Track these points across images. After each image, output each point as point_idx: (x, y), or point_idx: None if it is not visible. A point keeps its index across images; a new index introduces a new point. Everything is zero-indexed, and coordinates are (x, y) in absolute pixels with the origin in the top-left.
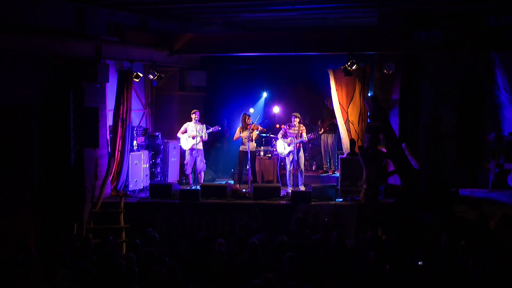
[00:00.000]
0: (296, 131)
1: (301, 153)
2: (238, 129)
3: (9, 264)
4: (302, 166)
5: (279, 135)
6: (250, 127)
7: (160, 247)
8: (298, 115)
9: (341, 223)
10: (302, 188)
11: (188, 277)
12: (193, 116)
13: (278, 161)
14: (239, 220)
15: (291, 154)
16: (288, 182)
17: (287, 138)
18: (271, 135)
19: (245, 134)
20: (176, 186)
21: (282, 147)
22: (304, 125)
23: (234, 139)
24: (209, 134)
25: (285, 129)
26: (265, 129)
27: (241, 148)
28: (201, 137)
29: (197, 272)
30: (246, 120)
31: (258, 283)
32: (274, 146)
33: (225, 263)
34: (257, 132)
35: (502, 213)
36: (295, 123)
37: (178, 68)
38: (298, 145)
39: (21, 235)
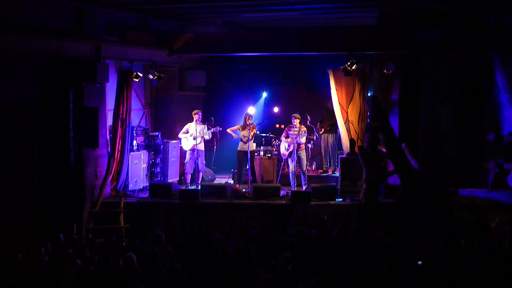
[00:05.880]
0: (297, 132)
1: (303, 155)
2: (238, 126)
3: (8, 264)
4: (305, 168)
5: (282, 137)
6: (249, 127)
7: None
8: (298, 115)
9: (340, 223)
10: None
11: (189, 276)
12: (195, 116)
13: (281, 162)
14: (239, 220)
15: (292, 154)
16: (291, 183)
17: (288, 139)
18: (270, 135)
19: (244, 133)
20: (176, 186)
21: (284, 148)
22: (305, 126)
23: (227, 130)
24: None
25: (286, 131)
26: (257, 132)
27: (240, 147)
28: (202, 137)
29: (198, 271)
30: (247, 120)
31: (258, 284)
32: (274, 146)
33: (227, 262)
34: (252, 133)
35: (502, 213)
36: (295, 123)
37: (178, 68)
38: (297, 145)
39: (20, 235)
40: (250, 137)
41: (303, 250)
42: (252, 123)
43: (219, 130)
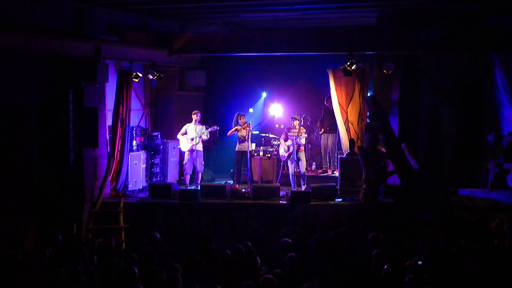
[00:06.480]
0: (296, 133)
1: (303, 156)
2: (234, 128)
3: (8, 264)
4: (304, 169)
5: (281, 139)
6: (243, 126)
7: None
8: (298, 117)
9: (340, 223)
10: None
11: (189, 276)
12: (193, 116)
13: (280, 162)
14: (238, 220)
15: (292, 156)
16: (292, 184)
17: (288, 141)
18: (270, 135)
19: (242, 133)
20: (175, 186)
21: (284, 149)
22: (305, 126)
23: (228, 134)
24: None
25: (286, 133)
26: (251, 130)
27: (238, 148)
28: (200, 137)
29: (198, 271)
30: (240, 120)
31: (251, 284)
32: (273, 146)
33: (228, 263)
34: (246, 132)
35: (502, 213)
36: (294, 125)
37: (178, 68)
38: (297, 147)
39: (20, 235)
40: (246, 136)
41: (296, 249)
42: (246, 122)
43: (217, 129)
